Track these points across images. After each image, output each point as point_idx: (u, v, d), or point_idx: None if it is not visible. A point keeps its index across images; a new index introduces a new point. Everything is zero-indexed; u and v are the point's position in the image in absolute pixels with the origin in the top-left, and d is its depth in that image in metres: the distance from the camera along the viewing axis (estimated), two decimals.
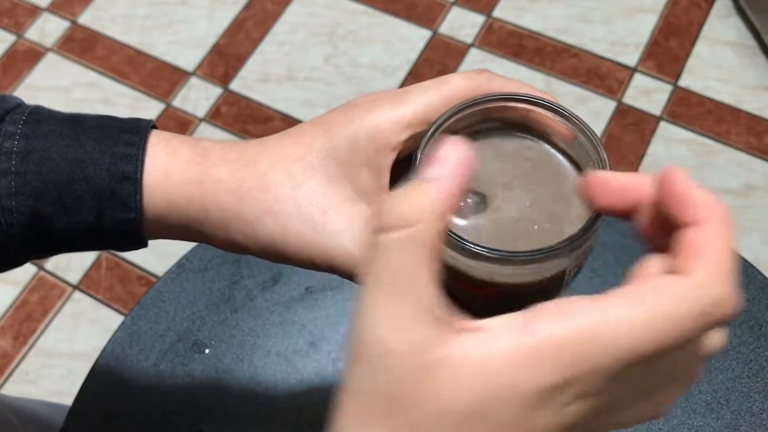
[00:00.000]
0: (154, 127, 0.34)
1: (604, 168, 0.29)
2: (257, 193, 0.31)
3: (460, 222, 0.30)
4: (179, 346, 0.58)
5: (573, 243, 0.28)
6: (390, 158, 0.31)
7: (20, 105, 0.32)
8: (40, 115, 0.32)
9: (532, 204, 0.30)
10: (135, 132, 0.32)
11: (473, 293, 0.30)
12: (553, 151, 0.31)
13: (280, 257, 0.32)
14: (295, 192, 0.31)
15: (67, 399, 0.56)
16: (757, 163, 1.31)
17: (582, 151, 0.30)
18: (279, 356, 0.57)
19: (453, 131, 0.31)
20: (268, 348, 0.58)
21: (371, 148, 0.31)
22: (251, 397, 0.56)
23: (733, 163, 1.31)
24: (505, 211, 0.30)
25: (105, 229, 0.32)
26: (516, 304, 0.30)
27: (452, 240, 0.28)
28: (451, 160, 0.22)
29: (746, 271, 0.59)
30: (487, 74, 0.32)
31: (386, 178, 0.32)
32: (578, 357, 0.21)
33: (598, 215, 0.28)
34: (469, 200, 0.30)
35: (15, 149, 0.30)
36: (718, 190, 1.29)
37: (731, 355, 0.56)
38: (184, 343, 0.58)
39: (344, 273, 0.32)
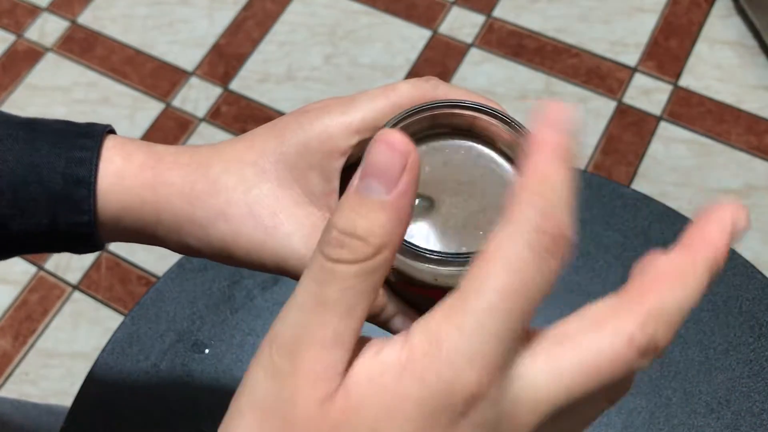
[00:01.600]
0: (112, 131, 0.34)
1: None
2: (209, 197, 0.32)
3: (412, 225, 0.31)
4: (179, 346, 0.58)
5: None
6: (339, 163, 0.32)
7: None
8: None
9: (478, 210, 0.31)
10: (90, 136, 0.32)
11: (421, 295, 0.31)
12: (498, 158, 0.32)
13: (232, 260, 0.33)
14: (247, 195, 0.32)
15: (67, 399, 0.56)
16: (757, 162, 1.31)
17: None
18: None
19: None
20: None
21: (321, 153, 0.32)
22: None
23: (733, 163, 1.31)
24: (452, 215, 0.31)
25: (59, 231, 0.32)
26: None
27: (402, 244, 0.28)
28: (396, 165, 0.20)
29: (746, 270, 0.59)
30: (433, 81, 0.33)
31: (336, 182, 0.33)
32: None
33: None
34: (417, 204, 0.31)
35: None
36: (719, 190, 1.29)
37: (731, 355, 0.56)
38: (184, 343, 0.58)
39: (293, 275, 0.32)
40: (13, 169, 0.31)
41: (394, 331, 0.33)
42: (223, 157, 0.33)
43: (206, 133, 1.40)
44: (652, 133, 1.35)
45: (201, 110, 1.43)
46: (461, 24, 1.50)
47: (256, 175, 0.32)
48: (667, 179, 1.30)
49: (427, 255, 0.28)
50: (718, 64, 1.42)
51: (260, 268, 0.33)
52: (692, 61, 1.42)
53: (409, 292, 0.32)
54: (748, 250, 1.22)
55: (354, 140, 0.32)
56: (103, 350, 0.58)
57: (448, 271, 0.29)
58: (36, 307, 1.25)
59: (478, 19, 1.50)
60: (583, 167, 1.32)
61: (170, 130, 1.42)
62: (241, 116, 1.42)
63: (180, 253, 0.34)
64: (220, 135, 1.40)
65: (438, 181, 0.32)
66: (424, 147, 0.32)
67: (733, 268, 0.59)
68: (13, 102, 1.46)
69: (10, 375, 1.20)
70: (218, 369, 0.57)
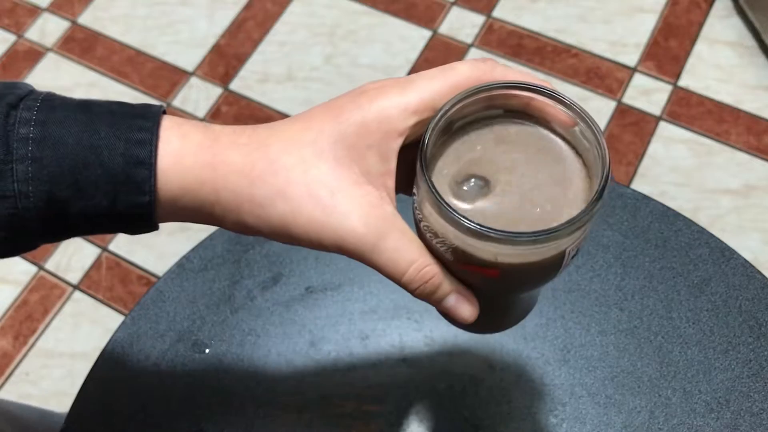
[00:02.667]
0: (164, 112, 0.34)
1: (602, 153, 0.30)
2: (269, 176, 0.32)
3: (465, 205, 0.31)
4: (179, 346, 0.58)
5: (573, 225, 0.29)
6: (397, 143, 0.32)
7: (32, 92, 0.33)
8: (52, 101, 0.32)
9: (533, 187, 0.31)
10: (147, 117, 0.32)
11: (477, 273, 0.32)
12: (553, 136, 0.32)
13: (290, 238, 0.33)
14: (306, 175, 0.32)
15: (67, 399, 0.56)
16: (756, 162, 1.31)
17: (581, 137, 0.31)
18: (279, 356, 0.57)
19: (458, 118, 0.32)
20: (268, 348, 0.58)
21: (379, 133, 0.32)
22: (251, 396, 0.56)
23: (732, 163, 1.31)
24: (507, 194, 0.31)
25: (119, 212, 0.32)
26: (515, 283, 0.34)
27: (460, 221, 0.29)
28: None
29: (746, 270, 0.59)
30: (491, 63, 0.33)
31: (393, 163, 0.33)
32: None
33: (598, 198, 0.30)
34: (473, 184, 0.31)
35: (31, 135, 0.31)
36: (718, 190, 1.29)
37: (731, 355, 0.56)
38: (185, 343, 0.58)
39: (351, 253, 0.32)
40: (74, 151, 0.31)
41: (446, 310, 0.34)
42: (282, 137, 0.33)
43: None
44: (652, 133, 1.35)
45: (201, 110, 1.43)
46: (461, 24, 1.50)
47: (314, 155, 0.32)
48: (666, 179, 1.30)
49: (490, 234, 0.29)
50: (718, 64, 1.42)
51: (318, 247, 0.33)
52: (692, 61, 1.42)
53: (466, 270, 0.32)
54: (747, 250, 1.22)
55: (412, 121, 0.32)
56: (104, 350, 0.58)
57: (509, 250, 0.29)
58: (36, 307, 1.25)
59: (478, 20, 1.50)
60: None
61: None
62: (242, 116, 1.42)
63: (235, 231, 0.34)
64: None
65: (493, 160, 0.32)
66: (478, 128, 0.33)
67: (732, 268, 0.59)
68: None
69: (10, 375, 1.20)
70: (218, 369, 0.57)
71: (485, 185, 0.32)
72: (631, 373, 0.56)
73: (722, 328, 0.57)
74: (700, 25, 1.46)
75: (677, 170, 1.31)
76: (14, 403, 0.67)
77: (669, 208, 0.62)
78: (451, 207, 0.29)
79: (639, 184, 1.29)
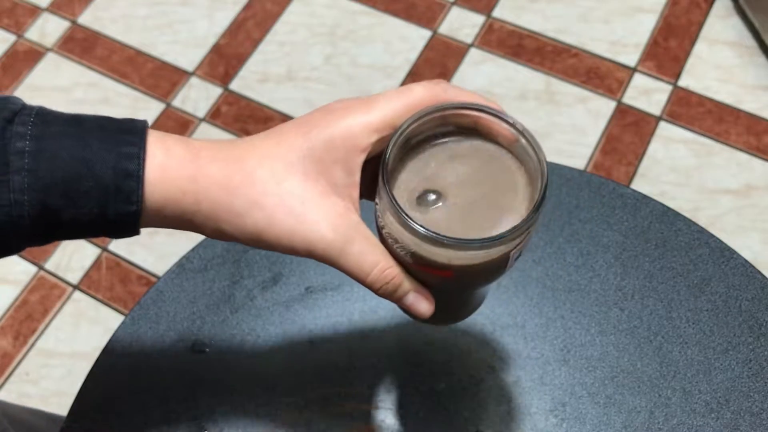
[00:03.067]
0: (148, 126, 0.37)
1: (541, 167, 0.34)
2: (245, 187, 0.35)
3: (421, 215, 0.35)
4: (179, 346, 0.58)
5: (515, 231, 0.33)
6: (361, 158, 0.36)
7: (25, 106, 0.35)
8: (46, 116, 0.35)
9: (481, 197, 0.36)
10: (134, 132, 0.35)
11: (432, 274, 0.36)
12: (499, 151, 0.36)
13: (265, 244, 0.36)
14: (279, 187, 0.35)
15: (68, 399, 0.56)
16: (756, 162, 1.31)
17: (523, 151, 0.36)
18: (279, 356, 0.57)
19: (415, 135, 0.36)
20: (268, 347, 0.58)
21: (345, 149, 0.35)
22: (251, 396, 0.56)
23: (732, 163, 1.31)
24: (458, 204, 0.35)
25: (107, 219, 0.35)
26: (466, 282, 0.39)
27: (417, 230, 0.33)
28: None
29: (745, 270, 0.59)
30: (443, 85, 0.36)
31: (358, 175, 0.36)
32: None
33: (537, 208, 0.34)
34: (427, 195, 0.35)
35: (27, 149, 0.33)
36: (718, 190, 1.29)
37: (731, 355, 0.56)
38: (185, 343, 0.58)
39: (321, 257, 0.36)
40: (67, 163, 0.33)
41: (406, 306, 0.38)
42: (256, 152, 0.36)
43: (206, 133, 1.41)
44: (652, 133, 1.35)
45: (201, 110, 1.43)
46: (461, 24, 1.50)
47: (286, 168, 0.35)
48: (666, 179, 1.30)
49: (443, 241, 0.33)
50: (718, 64, 1.42)
51: (291, 252, 0.36)
52: (692, 61, 1.42)
53: (423, 271, 0.36)
54: (747, 250, 1.22)
55: (374, 138, 0.36)
56: (104, 350, 0.58)
57: (461, 254, 0.34)
58: (36, 306, 1.25)
59: (478, 20, 1.50)
60: (582, 167, 1.32)
61: (170, 130, 1.42)
62: (242, 116, 1.42)
63: (214, 238, 0.37)
64: (221, 135, 1.40)
65: (445, 174, 0.36)
66: (433, 144, 0.37)
67: (732, 268, 0.59)
68: None
69: (10, 375, 1.20)
70: (218, 369, 0.57)
71: (438, 197, 0.35)
72: (631, 372, 0.56)
73: (722, 328, 0.57)
74: (700, 25, 1.47)
75: (677, 170, 1.31)
76: (25, 407, 0.68)
77: (669, 208, 0.62)
78: (410, 217, 0.33)
79: (639, 184, 1.29)
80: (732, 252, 0.60)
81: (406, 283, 0.37)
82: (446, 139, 0.37)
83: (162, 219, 0.36)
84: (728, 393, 0.55)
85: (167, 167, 0.35)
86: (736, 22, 1.46)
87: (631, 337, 0.57)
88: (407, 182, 0.36)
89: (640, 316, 0.58)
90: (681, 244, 0.60)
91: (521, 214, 0.35)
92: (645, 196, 0.63)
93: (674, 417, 0.54)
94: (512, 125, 0.35)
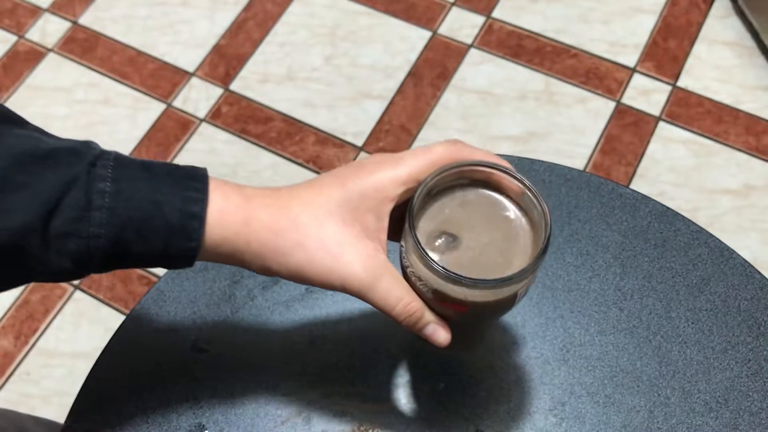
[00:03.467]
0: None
1: (545, 217, 0.39)
2: (290, 231, 0.40)
3: (439, 256, 0.41)
4: (180, 346, 0.58)
5: (524, 273, 0.38)
6: (389, 207, 0.41)
7: (103, 151, 0.40)
8: (122, 161, 0.40)
9: (492, 241, 0.41)
10: (198, 179, 0.40)
11: (450, 308, 0.41)
12: (507, 202, 0.42)
13: (305, 280, 0.41)
14: (320, 230, 0.41)
15: (68, 399, 0.56)
16: (755, 162, 1.31)
17: (528, 201, 0.41)
18: (279, 355, 0.57)
19: (436, 187, 0.42)
20: (268, 347, 0.58)
21: (376, 199, 0.41)
22: (252, 396, 0.56)
23: (731, 163, 1.32)
24: (471, 247, 0.41)
25: (169, 254, 0.40)
26: (479, 316, 0.44)
27: (439, 271, 0.38)
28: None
29: (745, 270, 0.59)
30: (459, 144, 0.42)
31: (386, 221, 0.42)
32: None
33: (542, 253, 0.39)
34: (445, 239, 0.41)
35: (107, 189, 0.38)
36: (717, 190, 1.29)
37: (730, 355, 0.56)
38: (185, 343, 0.58)
39: (353, 292, 0.41)
40: (141, 204, 0.38)
41: (426, 336, 0.43)
42: (299, 200, 0.42)
43: (207, 133, 1.41)
44: (651, 133, 1.35)
45: (202, 111, 1.44)
46: (461, 25, 1.50)
47: (326, 214, 0.41)
48: (665, 179, 1.31)
49: (462, 280, 0.38)
50: (717, 64, 1.42)
51: (327, 287, 0.41)
52: (691, 61, 1.43)
53: (442, 306, 0.41)
54: (746, 250, 1.22)
55: (401, 190, 0.41)
56: (104, 350, 0.58)
57: (476, 292, 0.39)
58: (37, 306, 1.25)
59: (478, 20, 1.50)
60: (582, 167, 1.32)
61: (171, 130, 1.42)
62: (242, 116, 1.42)
63: (259, 273, 0.42)
64: (221, 135, 1.40)
65: (459, 220, 0.41)
66: (449, 193, 0.42)
67: (731, 268, 0.59)
68: (14, 103, 1.46)
69: (11, 374, 1.20)
70: (219, 368, 0.57)
71: (454, 240, 0.41)
72: (630, 372, 0.56)
73: (721, 328, 0.57)
74: (699, 25, 1.47)
75: (676, 170, 1.32)
76: (12, 411, 0.68)
77: (668, 208, 0.62)
78: (433, 259, 0.38)
79: (638, 185, 1.29)
80: (731, 252, 0.60)
81: (426, 316, 0.42)
82: (461, 190, 0.42)
83: (216, 255, 0.41)
84: (727, 392, 0.55)
85: (225, 211, 0.40)
86: (735, 22, 1.46)
87: (630, 337, 0.57)
88: (428, 226, 0.41)
89: (640, 315, 0.58)
90: (680, 244, 0.61)
91: (527, 257, 0.40)
92: (644, 196, 0.63)
93: (673, 416, 0.54)
94: (520, 181, 0.41)
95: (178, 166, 0.41)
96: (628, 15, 1.49)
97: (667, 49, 1.44)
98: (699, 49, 1.44)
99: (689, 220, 0.62)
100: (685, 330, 0.57)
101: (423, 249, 0.38)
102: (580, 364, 0.56)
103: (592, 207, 0.63)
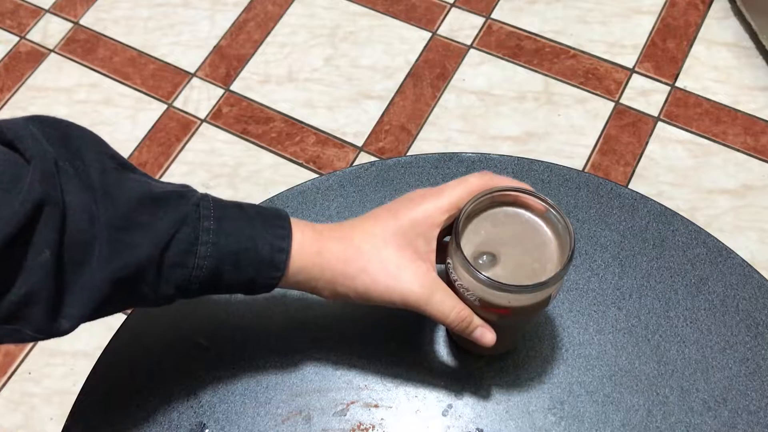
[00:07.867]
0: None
1: (568, 228, 0.46)
2: (355, 259, 0.47)
3: (486, 271, 0.46)
4: (181, 345, 0.58)
5: (557, 277, 0.45)
6: (436, 231, 0.48)
7: (203, 195, 0.46)
8: (219, 202, 0.46)
9: (525, 252, 0.47)
10: (283, 219, 0.47)
11: (495, 313, 0.48)
12: (534, 218, 0.48)
13: (369, 300, 0.48)
14: (379, 256, 0.47)
15: (69, 398, 0.56)
16: (753, 163, 1.32)
17: (552, 216, 0.47)
18: (280, 355, 0.58)
19: (473, 210, 0.48)
20: (268, 347, 0.58)
21: (425, 226, 0.48)
22: (253, 395, 0.56)
23: (730, 164, 1.32)
24: (509, 260, 0.47)
25: (256, 282, 0.46)
26: (519, 317, 0.50)
27: (486, 280, 0.44)
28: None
29: (743, 270, 0.59)
30: (489, 175, 0.49)
31: (434, 244, 0.48)
32: None
33: (569, 259, 0.45)
34: (486, 256, 0.47)
35: (212, 227, 0.44)
36: (716, 190, 1.29)
37: (728, 354, 0.56)
38: (186, 342, 0.58)
39: (412, 306, 0.47)
40: (239, 239, 0.45)
41: (476, 338, 0.49)
42: (361, 231, 0.48)
43: (208, 133, 1.41)
44: (650, 133, 1.36)
45: (202, 111, 1.44)
46: (460, 26, 1.50)
47: (383, 242, 0.48)
48: (664, 179, 1.31)
49: (506, 287, 0.44)
50: (715, 65, 1.42)
51: (389, 305, 0.48)
52: (689, 62, 1.43)
53: (487, 312, 0.48)
54: (744, 250, 1.22)
55: (445, 217, 0.48)
56: (105, 349, 0.59)
57: (517, 297, 0.45)
58: None
59: (477, 21, 1.51)
60: (580, 167, 1.32)
61: (172, 130, 1.42)
62: (243, 117, 1.42)
63: (329, 298, 0.49)
64: (222, 135, 1.41)
65: (495, 239, 0.48)
66: (486, 215, 0.49)
67: (729, 268, 0.60)
68: (15, 103, 1.46)
69: (12, 374, 1.20)
70: (219, 368, 0.57)
71: (493, 257, 0.47)
72: (629, 371, 0.56)
73: (719, 327, 0.57)
74: (698, 26, 1.47)
75: (675, 170, 1.32)
76: None
77: (666, 208, 0.62)
78: (479, 271, 0.44)
79: (637, 185, 1.30)
80: (729, 251, 0.60)
81: (475, 321, 0.49)
82: (494, 210, 0.49)
83: (294, 283, 0.47)
84: (726, 391, 0.55)
85: (303, 244, 0.47)
86: (734, 23, 1.47)
87: (629, 336, 0.57)
88: (470, 245, 0.47)
89: (638, 315, 0.58)
90: (678, 243, 0.61)
91: (556, 262, 0.46)
92: (643, 196, 0.63)
93: (672, 415, 0.54)
94: (543, 200, 0.47)
95: (264, 207, 0.48)
96: (626, 16, 1.49)
97: (666, 50, 1.45)
98: (697, 49, 1.44)
99: (688, 220, 0.62)
100: (683, 329, 0.57)
101: (470, 263, 0.45)
102: (579, 363, 0.57)
103: (591, 207, 0.63)
